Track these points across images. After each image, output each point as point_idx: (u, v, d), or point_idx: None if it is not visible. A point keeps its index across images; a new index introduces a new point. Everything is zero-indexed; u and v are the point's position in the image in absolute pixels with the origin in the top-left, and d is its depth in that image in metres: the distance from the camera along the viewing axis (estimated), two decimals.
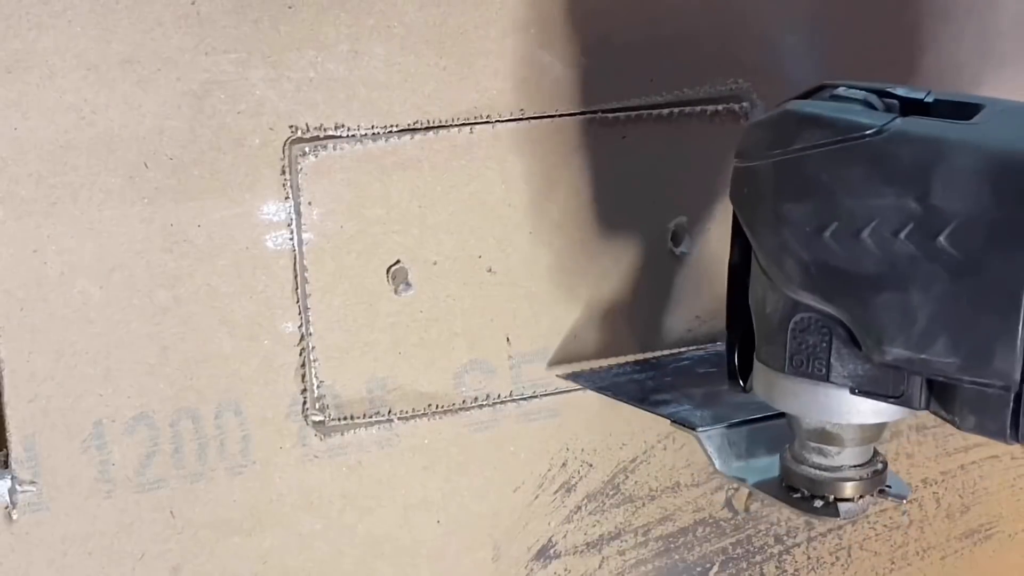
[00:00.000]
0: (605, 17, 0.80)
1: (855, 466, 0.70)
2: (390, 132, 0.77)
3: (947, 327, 0.60)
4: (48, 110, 0.70)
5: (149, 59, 0.72)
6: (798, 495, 0.72)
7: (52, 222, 0.72)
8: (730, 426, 0.77)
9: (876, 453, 0.72)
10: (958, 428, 0.62)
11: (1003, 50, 0.92)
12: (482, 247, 0.80)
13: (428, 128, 0.78)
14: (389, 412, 0.80)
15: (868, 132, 0.61)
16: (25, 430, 0.73)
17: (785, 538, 0.95)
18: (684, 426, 0.78)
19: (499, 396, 0.83)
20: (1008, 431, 0.60)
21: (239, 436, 0.77)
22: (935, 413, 0.64)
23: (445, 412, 0.82)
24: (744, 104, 0.84)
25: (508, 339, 0.82)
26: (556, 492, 0.86)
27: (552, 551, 0.87)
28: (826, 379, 0.65)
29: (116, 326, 0.74)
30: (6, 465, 0.73)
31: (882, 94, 0.65)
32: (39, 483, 0.74)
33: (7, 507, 0.73)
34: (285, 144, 0.75)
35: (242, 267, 0.75)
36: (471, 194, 0.79)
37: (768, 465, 0.75)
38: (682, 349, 0.86)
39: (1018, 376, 0.59)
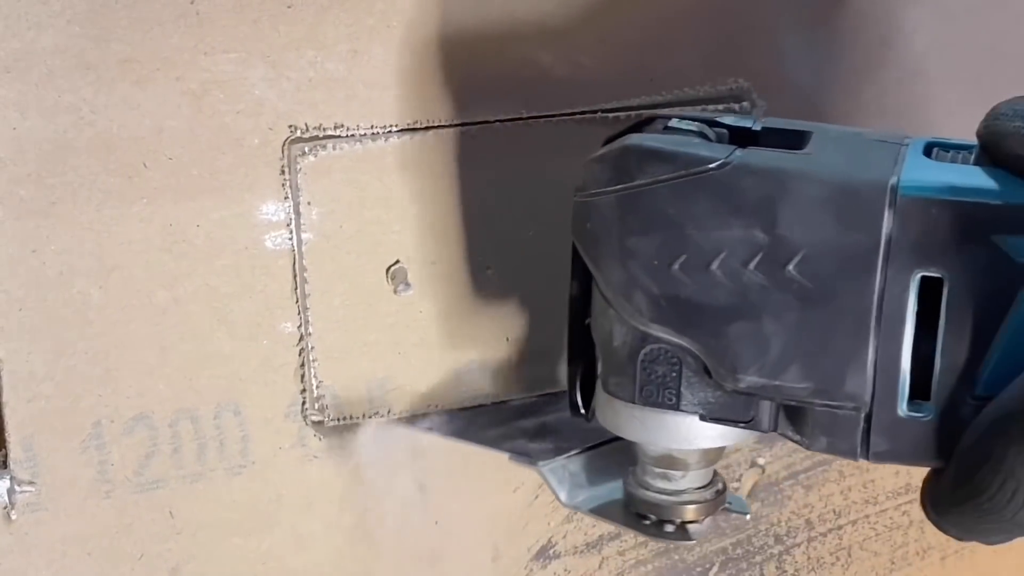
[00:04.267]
0: (605, 17, 0.80)
1: (699, 488, 0.71)
2: (390, 132, 0.77)
3: (800, 354, 0.61)
4: (47, 110, 0.70)
5: (148, 59, 0.71)
6: (647, 521, 0.72)
7: (51, 222, 0.71)
8: (570, 456, 0.77)
9: (715, 474, 0.72)
10: (807, 449, 0.63)
11: (1005, 50, 0.91)
12: (481, 247, 0.80)
13: (428, 128, 0.78)
14: (389, 412, 0.80)
15: (712, 166, 0.61)
16: (24, 430, 0.73)
17: (785, 538, 0.95)
18: (524, 462, 0.77)
19: (498, 396, 0.83)
20: (859, 450, 0.62)
21: (238, 436, 0.77)
22: (782, 435, 0.65)
23: (445, 412, 0.82)
24: (745, 104, 0.84)
25: (507, 339, 0.82)
26: None
27: (552, 551, 0.87)
28: (676, 408, 0.65)
29: (115, 326, 0.74)
30: (5, 465, 0.73)
31: (712, 124, 0.66)
32: (38, 483, 0.74)
33: (6, 507, 0.73)
34: (284, 144, 0.75)
35: (241, 267, 0.75)
36: (470, 194, 0.79)
37: (613, 490, 0.75)
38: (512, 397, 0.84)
39: (868, 398, 0.60)
